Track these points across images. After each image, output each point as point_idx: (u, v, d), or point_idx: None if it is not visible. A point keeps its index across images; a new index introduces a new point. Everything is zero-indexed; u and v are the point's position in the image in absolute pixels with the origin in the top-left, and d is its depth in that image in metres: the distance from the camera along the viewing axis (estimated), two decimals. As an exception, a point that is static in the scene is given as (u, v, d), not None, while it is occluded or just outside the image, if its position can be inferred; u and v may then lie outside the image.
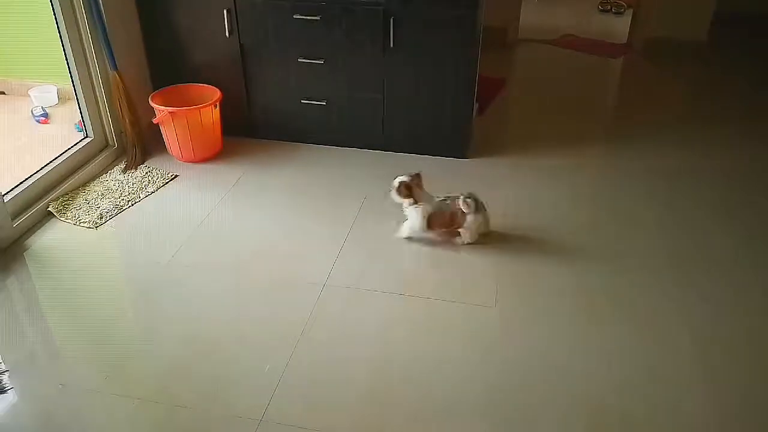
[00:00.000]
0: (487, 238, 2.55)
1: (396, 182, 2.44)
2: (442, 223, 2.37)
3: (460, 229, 2.34)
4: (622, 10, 5.61)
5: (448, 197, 2.43)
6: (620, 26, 5.16)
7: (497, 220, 2.59)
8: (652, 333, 2.12)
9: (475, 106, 3.16)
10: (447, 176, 3.05)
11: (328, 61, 3.05)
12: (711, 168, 3.13)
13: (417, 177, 2.45)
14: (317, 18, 2.93)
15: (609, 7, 5.71)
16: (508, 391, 1.91)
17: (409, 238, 2.52)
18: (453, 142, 3.17)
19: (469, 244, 2.46)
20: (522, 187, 2.96)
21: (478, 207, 2.39)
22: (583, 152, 3.29)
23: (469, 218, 2.34)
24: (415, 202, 2.42)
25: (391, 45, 2.92)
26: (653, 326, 2.15)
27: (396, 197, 2.44)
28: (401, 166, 3.12)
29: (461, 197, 2.37)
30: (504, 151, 3.27)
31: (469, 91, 3.03)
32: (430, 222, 2.38)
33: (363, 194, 2.88)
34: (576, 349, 2.06)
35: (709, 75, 4.36)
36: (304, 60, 3.06)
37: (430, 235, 2.48)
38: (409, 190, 2.41)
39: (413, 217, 2.43)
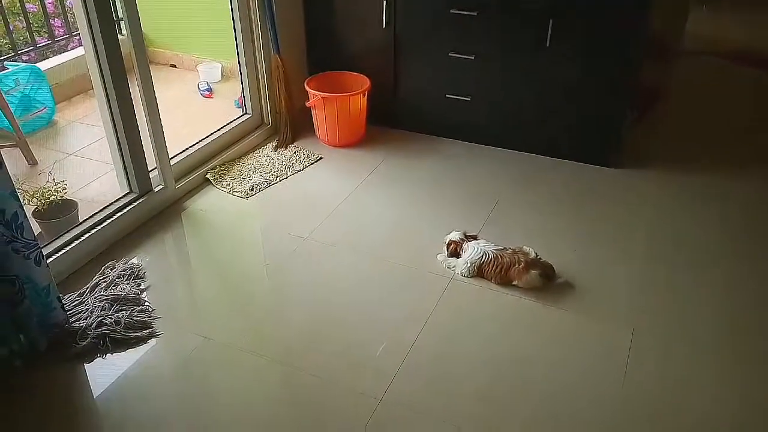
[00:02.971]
0: (626, 261, 2.43)
1: (447, 239, 2.45)
2: (495, 274, 2.31)
3: (514, 282, 2.29)
4: (807, 25, 5.07)
5: (508, 248, 2.37)
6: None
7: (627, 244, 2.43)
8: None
9: (629, 115, 3.00)
10: (585, 184, 2.94)
11: (478, 57, 3.04)
12: None
13: (472, 237, 2.45)
14: (474, 14, 2.93)
15: (791, 21, 5.18)
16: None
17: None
18: (600, 151, 3.04)
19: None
20: (664, 209, 2.79)
21: (545, 271, 2.29)
22: (738, 178, 3.00)
23: (533, 273, 2.26)
24: (456, 256, 2.40)
25: (547, 44, 2.85)
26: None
27: (445, 251, 2.44)
28: (541, 170, 3.06)
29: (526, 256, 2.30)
30: (651, 166, 3.07)
31: (624, 100, 2.89)
32: (482, 270, 2.34)
33: (496, 196, 2.85)
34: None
35: None
36: (454, 54, 3.07)
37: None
38: (456, 248, 2.40)
39: (462, 261, 2.37)
